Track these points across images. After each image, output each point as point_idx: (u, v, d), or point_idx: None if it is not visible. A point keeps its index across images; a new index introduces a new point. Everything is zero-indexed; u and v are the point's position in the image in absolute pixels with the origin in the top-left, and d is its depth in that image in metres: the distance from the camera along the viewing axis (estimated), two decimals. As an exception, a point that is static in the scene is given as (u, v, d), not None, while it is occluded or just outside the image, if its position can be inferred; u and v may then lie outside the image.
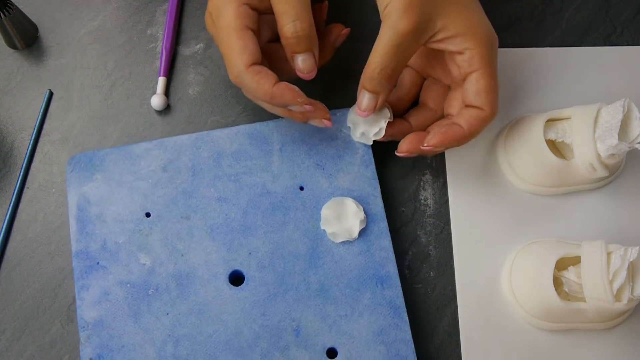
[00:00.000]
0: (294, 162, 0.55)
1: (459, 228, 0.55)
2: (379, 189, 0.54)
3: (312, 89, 0.54)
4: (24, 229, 0.55)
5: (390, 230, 0.56)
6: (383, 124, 0.54)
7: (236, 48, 0.48)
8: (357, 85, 0.52)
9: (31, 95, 0.59)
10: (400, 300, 0.52)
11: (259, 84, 0.48)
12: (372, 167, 0.55)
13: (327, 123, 0.52)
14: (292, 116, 0.52)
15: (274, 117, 0.57)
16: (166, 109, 0.59)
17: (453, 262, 0.55)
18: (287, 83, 0.49)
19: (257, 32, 0.50)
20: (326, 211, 0.53)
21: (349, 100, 0.56)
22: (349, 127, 0.55)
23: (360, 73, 0.51)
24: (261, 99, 0.50)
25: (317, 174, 0.55)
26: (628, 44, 0.62)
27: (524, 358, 0.52)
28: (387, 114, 0.54)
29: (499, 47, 0.61)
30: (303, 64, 0.50)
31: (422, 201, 0.57)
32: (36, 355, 0.52)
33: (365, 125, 0.54)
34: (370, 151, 0.55)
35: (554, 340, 0.53)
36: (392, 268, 0.52)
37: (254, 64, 0.49)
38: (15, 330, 0.53)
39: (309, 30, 0.49)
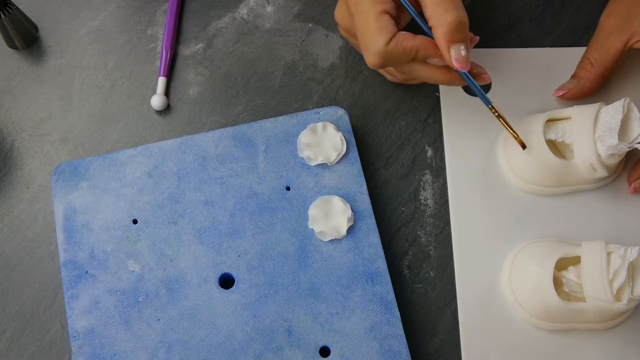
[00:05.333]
0: (279, 163, 0.55)
1: (459, 228, 0.56)
2: (365, 186, 0.54)
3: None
4: (24, 229, 0.55)
5: (390, 230, 0.56)
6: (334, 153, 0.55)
7: (375, 30, 0.49)
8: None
9: (31, 95, 0.59)
10: (391, 296, 0.52)
11: (404, 47, 0.49)
12: (358, 164, 0.55)
13: (486, 78, 0.52)
14: (444, 78, 0.52)
15: (267, 116, 0.57)
16: (166, 109, 0.59)
17: (453, 262, 0.55)
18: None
19: (396, 20, 0.51)
20: (313, 210, 0.53)
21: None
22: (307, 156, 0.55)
23: None
24: (408, 58, 0.50)
25: (302, 174, 0.55)
26: (628, 44, 0.62)
27: (524, 358, 0.52)
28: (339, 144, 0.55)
29: (499, 47, 0.62)
30: (461, 53, 0.49)
31: (422, 201, 0.57)
32: (36, 355, 0.52)
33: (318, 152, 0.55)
34: (355, 149, 0.55)
35: (554, 340, 0.53)
36: (382, 264, 0.52)
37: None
38: (15, 330, 0.53)
39: (467, 20, 0.49)
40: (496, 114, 0.53)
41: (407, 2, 0.50)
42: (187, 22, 0.62)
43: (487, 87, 0.60)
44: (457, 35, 0.49)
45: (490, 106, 0.53)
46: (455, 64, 0.49)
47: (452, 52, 0.49)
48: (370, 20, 0.49)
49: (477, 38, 0.52)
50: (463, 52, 0.49)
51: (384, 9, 0.49)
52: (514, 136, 0.53)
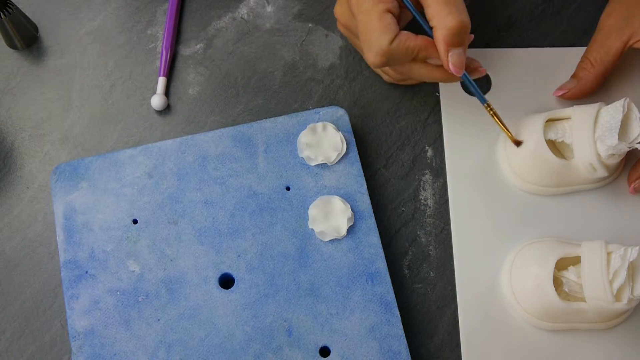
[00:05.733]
0: (279, 163, 0.55)
1: (459, 228, 0.55)
2: (365, 186, 0.54)
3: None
4: (24, 229, 0.55)
5: (390, 230, 0.56)
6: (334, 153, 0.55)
7: (378, 29, 0.49)
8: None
9: (31, 95, 0.59)
10: (391, 296, 0.52)
11: (407, 46, 0.49)
12: (358, 164, 0.55)
13: (482, 70, 0.52)
14: (442, 77, 0.52)
15: (267, 117, 0.57)
16: (166, 109, 0.59)
17: (453, 262, 0.55)
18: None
19: (397, 19, 0.50)
20: (313, 210, 0.53)
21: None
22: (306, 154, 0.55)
23: None
24: (409, 58, 0.50)
25: (302, 174, 0.55)
26: (628, 44, 0.62)
27: (524, 358, 0.52)
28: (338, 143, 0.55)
29: (499, 47, 0.62)
30: (458, 57, 0.49)
31: (422, 201, 0.57)
32: (36, 355, 0.52)
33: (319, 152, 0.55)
34: (355, 149, 0.55)
35: (554, 340, 0.53)
36: (382, 264, 0.52)
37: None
38: (15, 330, 0.53)
39: (470, 23, 0.49)
40: (491, 112, 0.53)
41: (409, 0, 0.50)
42: (187, 22, 0.62)
43: (487, 87, 0.60)
44: (457, 39, 0.48)
45: (485, 104, 0.53)
46: (451, 68, 0.49)
47: (450, 56, 0.49)
48: (373, 19, 0.49)
49: (472, 36, 0.52)
50: (461, 56, 0.49)
51: (386, 8, 0.49)
52: (507, 134, 0.54)
